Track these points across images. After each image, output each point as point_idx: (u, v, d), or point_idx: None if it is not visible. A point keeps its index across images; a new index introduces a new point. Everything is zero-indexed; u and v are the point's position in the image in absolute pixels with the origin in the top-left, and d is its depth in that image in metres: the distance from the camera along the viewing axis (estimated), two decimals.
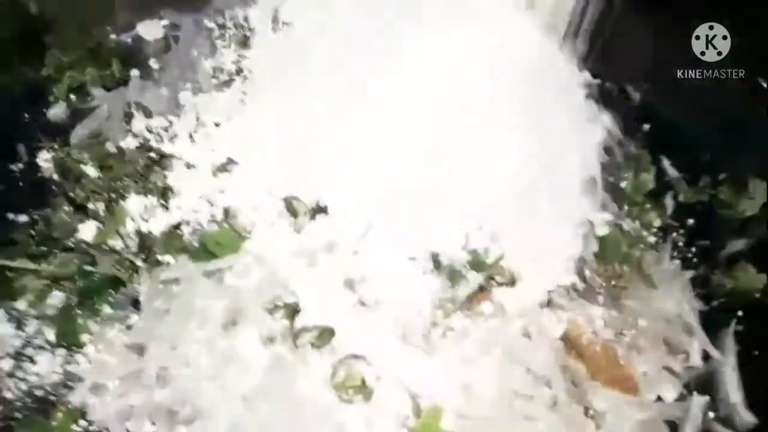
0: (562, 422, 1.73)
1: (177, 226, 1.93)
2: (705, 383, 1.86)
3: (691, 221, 2.09)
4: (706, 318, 1.93)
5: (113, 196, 1.97)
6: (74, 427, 1.72)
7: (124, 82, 2.18)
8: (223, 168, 2.00)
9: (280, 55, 2.15)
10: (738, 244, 2.02)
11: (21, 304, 1.84)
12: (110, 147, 2.05)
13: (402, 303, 1.81)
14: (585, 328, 1.85)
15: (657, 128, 2.21)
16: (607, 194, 2.08)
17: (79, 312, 1.83)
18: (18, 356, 1.79)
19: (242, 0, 2.27)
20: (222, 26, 2.28)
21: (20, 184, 2.02)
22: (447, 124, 1.96)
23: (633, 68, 2.26)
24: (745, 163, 2.06)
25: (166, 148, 2.04)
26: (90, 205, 1.96)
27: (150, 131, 2.08)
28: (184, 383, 1.70)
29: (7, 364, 1.77)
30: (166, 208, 1.96)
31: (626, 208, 2.08)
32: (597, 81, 2.23)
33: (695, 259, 2.03)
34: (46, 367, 1.77)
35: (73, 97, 2.16)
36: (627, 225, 2.05)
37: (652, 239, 2.05)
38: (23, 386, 1.75)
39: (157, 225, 1.93)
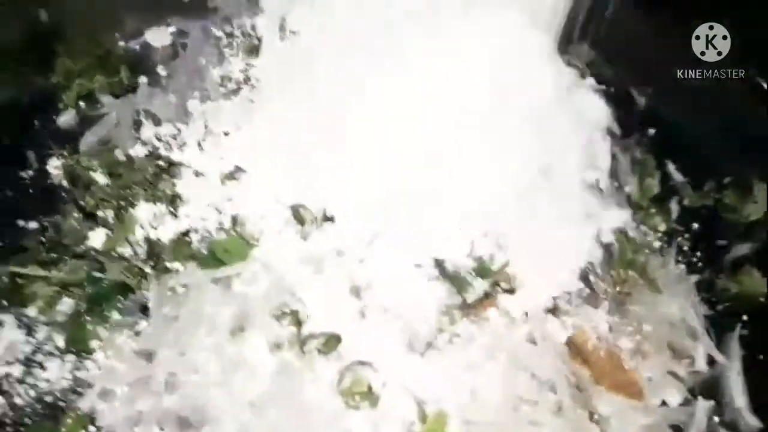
0: (567, 427, 1.73)
1: (185, 234, 1.94)
2: (710, 388, 1.85)
3: (696, 226, 2.09)
4: (711, 322, 1.93)
5: (122, 203, 1.98)
6: None
7: (133, 89, 2.20)
8: (231, 176, 2.00)
9: (287, 63, 2.14)
10: (743, 249, 2.03)
11: (31, 311, 1.85)
12: (119, 155, 2.07)
13: (408, 310, 1.81)
14: (590, 333, 1.85)
15: (662, 132, 2.21)
16: (613, 199, 2.09)
17: (88, 318, 1.84)
18: (28, 362, 1.80)
19: (249, 8, 2.28)
20: (230, 35, 2.28)
21: (30, 191, 2.04)
22: (451, 128, 1.95)
23: (634, 70, 2.27)
24: (749, 167, 2.06)
25: (175, 156, 2.05)
26: (99, 213, 1.97)
27: (159, 139, 2.09)
28: (193, 389, 1.70)
29: (18, 370, 1.78)
30: (175, 215, 1.97)
31: (631, 213, 2.09)
32: (603, 88, 2.24)
33: (700, 264, 2.03)
34: (56, 373, 1.78)
35: (82, 104, 2.17)
36: (632, 230, 2.05)
37: (657, 244, 2.06)
38: (33, 392, 1.76)
39: (166, 232, 1.94)
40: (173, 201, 1.98)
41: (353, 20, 2.10)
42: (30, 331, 1.83)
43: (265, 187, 1.97)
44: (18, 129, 2.12)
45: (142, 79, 2.22)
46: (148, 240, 1.93)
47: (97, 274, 1.88)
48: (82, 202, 1.98)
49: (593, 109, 2.20)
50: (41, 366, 1.79)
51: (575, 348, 1.83)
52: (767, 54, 1.99)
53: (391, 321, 1.80)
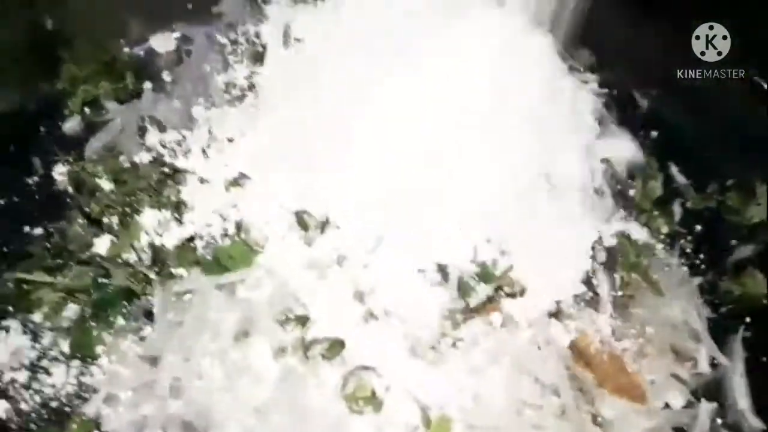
0: (570, 431, 1.73)
1: (190, 240, 1.95)
2: (713, 390, 1.86)
3: (698, 228, 2.09)
4: (714, 324, 1.94)
5: (127, 210, 1.98)
6: None
7: (138, 94, 2.21)
8: (236, 182, 2.00)
9: (292, 70, 2.15)
10: (746, 251, 2.03)
11: (37, 317, 1.86)
12: (124, 161, 2.08)
13: (411, 314, 1.81)
14: (593, 337, 1.86)
15: (664, 135, 2.22)
16: (615, 202, 2.09)
17: (93, 324, 1.85)
18: (33, 368, 1.80)
19: (253, 15, 2.29)
20: (234, 42, 2.30)
21: (36, 197, 2.05)
22: (451, 129, 1.95)
23: (634, 71, 2.28)
24: (752, 169, 2.06)
25: (180, 163, 2.06)
26: (104, 219, 1.98)
27: (164, 146, 2.10)
28: (197, 394, 1.70)
29: (23, 376, 1.79)
30: (180, 222, 1.97)
31: (635, 215, 2.09)
32: (604, 90, 2.25)
33: (703, 266, 2.04)
34: (61, 378, 1.79)
35: (87, 110, 2.19)
36: (635, 233, 2.05)
37: (660, 246, 2.06)
38: (38, 398, 1.77)
39: (171, 239, 1.95)
40: (178, 207, 1.99)
41: (357, 28, 2.10)
42: (35, 336, 1.84)
43: (269, 193, 1.97)
44: (24, 135, 2.13)
45: (147, 85, 2.24)
46: (152, 246, 1.93)
47: (103, 280, 1.89)
48: (87, 209, 1.99)
49: (594, 111, 2.21)
50: (46, 371, 1.80)
51: (578, 351, 1.83)
52: (767, 54, 2.00)
53: (394, 326, 1.80)
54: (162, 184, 2.02)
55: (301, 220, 1.91)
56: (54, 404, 1.77)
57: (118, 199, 2.00)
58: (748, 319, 1.94)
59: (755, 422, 1.81)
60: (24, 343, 1.83)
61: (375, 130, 1.95)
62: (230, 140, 2.08)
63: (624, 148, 2.19)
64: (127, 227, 1.96)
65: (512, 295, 1.87)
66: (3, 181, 2.05)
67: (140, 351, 1.80)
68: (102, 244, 1.94)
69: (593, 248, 1.98)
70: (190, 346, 1.75)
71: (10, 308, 1.87)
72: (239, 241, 1.91)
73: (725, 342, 1.91)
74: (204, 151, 2.07)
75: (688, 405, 1.83)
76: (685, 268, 2.03)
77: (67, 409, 1.76)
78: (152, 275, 1.89)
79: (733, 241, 2.06)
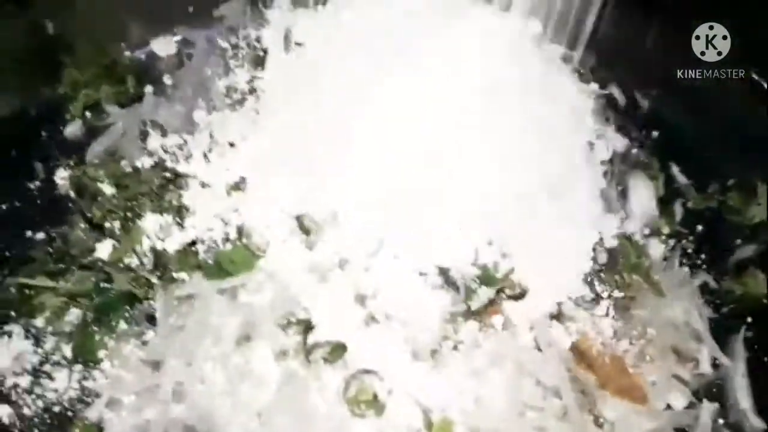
0: None
1: (192, 244, 1.95)
2: (714, 390, 1.86)
3: (700, 228, 2.09)
4: (716, 325, 1.93)
5: (129, 214, 1.98)
6: None
7: (139, 98, 2.21)
8: (237, 187, 2.01)
9: (293, 75, 2.16)
10: (747, 251, 2.03)
11: (39, 321, 1.86)
12: (126, 166, 2.08)
13: (412, 317, 1.81)
14: (594, 338, 1.86)
15: (665, 135, 2.22)
16: (616, 203, 2.09)
17: (95, 328, 1.85)
18: (36, 372, 1.80)
19: (254, 20, 2.30)
20: (235, 46, 2.31)
21: (38, 201, 2.05)
22: (451, 130, 1.96)
23: (635, 71, 2.28)
24: (752, 169, 2.06)
25: (181, 167, 2.06)
26: (106, 224, 1.97)
27: (165, 150, 2.10)
28: (199, 398, 1.71)
29: (26, 381, 1.79)
30: (182, 226, 1.97)
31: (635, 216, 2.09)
32: (604, 91, 2.26)
33: (704, 266, 2.04)
34: (64, 383, 1.79)
35: (88, 114, 2.19)
36: (636, 234, 2.06)
37: (661, 247, 2.06)
38: (41, 402, 1.76)
39: (173, 243, 1.95)
40: (179, 212, 1.99)
41: (357, 32, 2.11)
42: (38, 341, 1.84)
43: (271, 197, 1.97)
44: (25, 140, 2.13)
45: (148, 89, 2.23)
46: (154, 251, 1.94)
47: (105, 285, 1.89)
48: (89, 213, 1.98)
49: (594, 111, 2.21)
50: (49, 376, 1.80)
51: (580, 353, 1.83)
52: (767, 54, 2.00)
53: (396, 329, 1.81)
54: (163, 188, 2.02)
55: (302, 223, 1.91)
56: (56, 409, 1.76)
57: (120, 204, 2.00)
58: (749, 319, 1.93)
59: (757, 422, 1.80)
60: (26, 348, 1.83)
61: (375, 131, 1.96)
62: (231, 144, 2.08)
63: (624, 149, 2.19)
64: (128, 232, 1.96)
65: (513, 298, 1.88)
66: (5, 185, 2.04)
67: (142, 355, 1.80)
68: (104, 249, 1.94)
69: (594, 249, 1.99)
70: (192, 351, 1.75)
71: (13, 313, 1.86)
72: (241, 245, 1.92)
73: (727, 342, 1.90)
74: (205, 156, 2.07)
75: (690, 406, 1.83)
76: (686, 269, 2.02)
77: (69, 413, 1.76)
78: (154, 280, 1.89)
79: (735, 241, 2.05)
